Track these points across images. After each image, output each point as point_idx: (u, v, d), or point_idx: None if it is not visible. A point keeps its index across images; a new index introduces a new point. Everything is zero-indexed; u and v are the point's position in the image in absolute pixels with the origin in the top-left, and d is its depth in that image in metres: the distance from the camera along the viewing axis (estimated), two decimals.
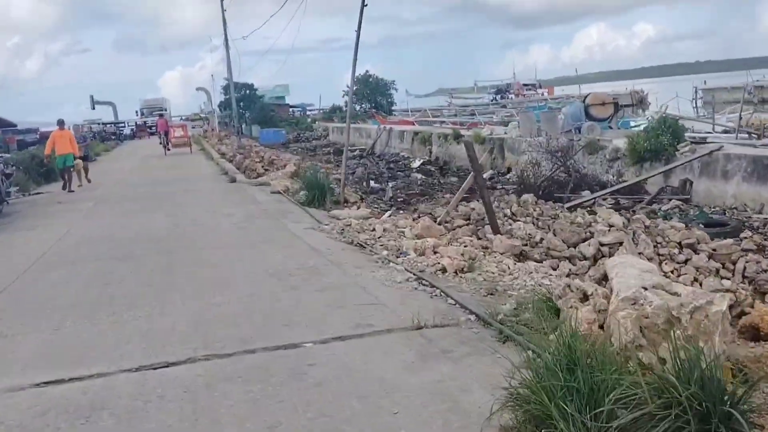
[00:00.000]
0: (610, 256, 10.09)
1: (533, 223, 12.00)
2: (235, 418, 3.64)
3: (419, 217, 11.06)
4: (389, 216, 11.12)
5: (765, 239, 11.01)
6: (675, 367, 2.68)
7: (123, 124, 66.43)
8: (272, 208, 12.32)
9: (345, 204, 12.79)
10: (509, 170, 21.09)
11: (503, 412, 3.19)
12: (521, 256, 8.54)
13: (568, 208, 13.77)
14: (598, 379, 2.79)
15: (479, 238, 9.89)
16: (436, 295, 5.72)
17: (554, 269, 9.13)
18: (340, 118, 52.10)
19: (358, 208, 12.52)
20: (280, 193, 14.59)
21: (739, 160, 14.38)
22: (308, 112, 71.97)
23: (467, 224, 11.28)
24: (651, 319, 3.22)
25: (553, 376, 2.91)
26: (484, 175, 20.82)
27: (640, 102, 30.81)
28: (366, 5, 11.26)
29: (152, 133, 53.23)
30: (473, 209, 12.01)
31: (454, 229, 10.58)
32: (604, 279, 9.89)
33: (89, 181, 19.62)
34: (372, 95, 57.54)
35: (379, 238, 8.87)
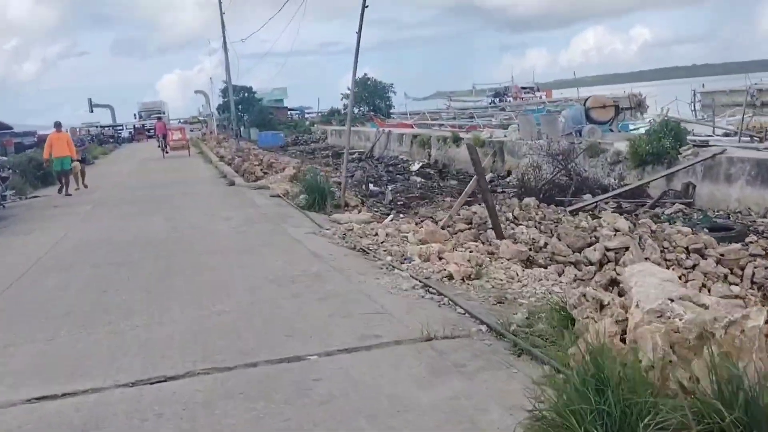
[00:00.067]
0: (616, 262, 9.93)
1: (536, 227, 11.84)
2: None
3: (422, 221, 10.87)
4: (391, 220, 10.92)
5: None
6: (713, 387, 2.48)
7: (121, 127, 66.18)
8: (272, 212, 12.11)
9: (346, 208, 12.60)
10: (509, 173, 20.93)
11: None
12: (528, 262, 8.35)
13: (570, 212, 13.62)
14: (631, 401, 2.58)
15: (483, 243, 9.71)
16: (444, 304, 5.52)
17: (560, 274, 8.97)
18: (339, 121, 51.91)
19: (359, 212, 12.32)
20: (279, 196, 14.39)
21: (742, 163, 14.24)
22: (306, 115, 71.82)
23: (469, 228, 11.10)
24: (682, 334, 3.03)
25: (581, 397, 2.70)
26: None
27: (638, 105, 30.68)
28: (367, 6, 11.09)
29: (150, 136, 53.02)
30: (475, 213, 11.83)
31: (456, 233, 10.40)
32: (611, 285, 9.74)
33: (86, 186, 19.34)
34: (370, 98, 57.35)
35: (382, 243, 8.67)
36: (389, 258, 7.55)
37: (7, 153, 31.06)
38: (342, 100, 62.42)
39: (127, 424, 3.68)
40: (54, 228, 12.12)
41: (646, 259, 9.89)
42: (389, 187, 18.59)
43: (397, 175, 23.14)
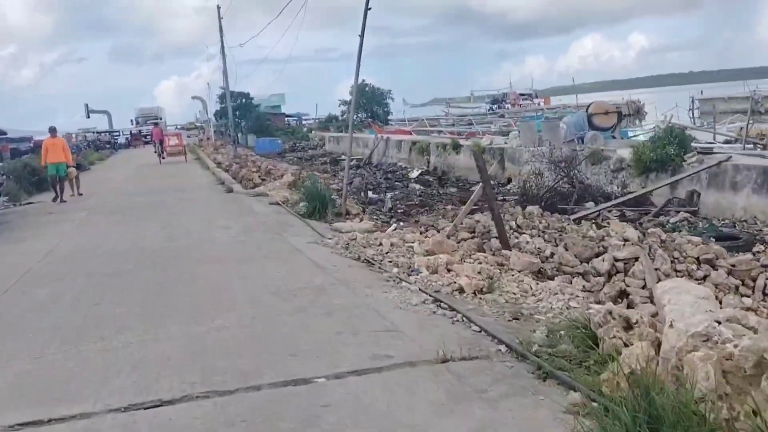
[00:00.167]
0: (625, 272, 9.65)
1: (539, 236, 11.55)
2: None
3: (427, 230, 10.57)
4: (395, 230, 10.61)
5: None
6: None
7: (118, 133, 65.82)
8: (271, 220, 11.79)
9: (347, 216, 12.28)
10: (509, 181, 20.67)
11: None
12: (539, 274, 8.06)
13: (574, 221, 13.35)
14: None
15: (490, 253, 9.42)
16: (457, 320, 5.20)
17: (568, 284, 8.69)
18: (336, 127, 51.68)
19: (361, 220, 12.01)
20: (278, 204, 14.08)
21: (748, 171, 14.00)
22: (304, 122, 71.56)
23: (472, 237, 10.81)
24: (737, 362, 2.73)
25: None
26: None
27: (636, 112, 30.57)
28: (370, 9, 10.82)
29: (147, 142, 52.64)
30: (478, 221, 11.54)
31: (459, 242, 10.12)
32: (620, 296, 9.44)
33: (80, 194, 18.94)
34: (368, 105, 57.14)
35: (386, 253, 8.37)
36: (396, 270, 7.23)
37: (3, 158, 30.69)
38: (340, 106, 62.26)
39: None
40: (47, 235, 11.80)
41: (656, 269, 9.64)
42: (388, 195, 18.29)
43: (396, 183, 22.86)
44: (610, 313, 4.35)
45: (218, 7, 34.53)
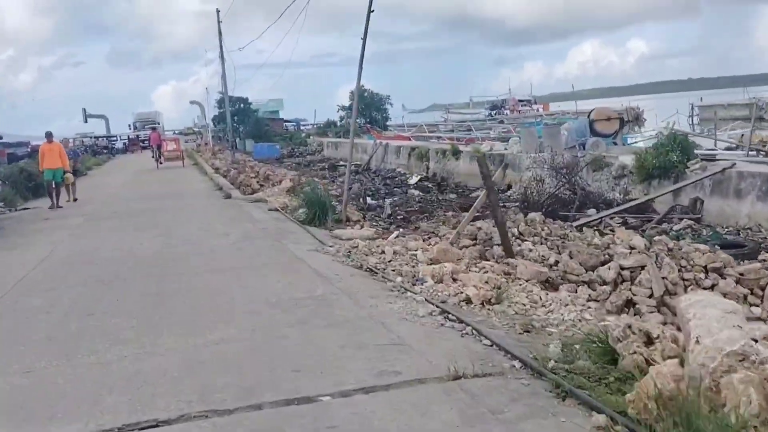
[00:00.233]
0: (632, 281, 9.44)
1: (542, 243, 11.37)
2: None
3: (429, 237, 10.36)
4: (396, 237, 10.40)
5: None
6: None
7: (115, 138, 65.50)
8: (271, 227, 11.57)
9: (347, 223, 12.07)
10: (509, 187, 20.49)
11: None
12: (546, 283, 7.84)
13: (576, 228, 13.18)
14: None
15: (495, 262, 9.22)
16: (467, 333, 4.98)
17: (574, 293, 8.50)
18: (335, 133, 51.50)
19: (362, 227, 11.80)
20: (278, 210, 13.87)
21: (753, 178, 13.83)
22: (302, 127, 71.40)
23: (474, 245, 10.61)
24: None
25: None
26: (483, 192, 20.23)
27: (636, 119, 30.44)
28: (373, 11, 10.63)
29: (145, 147, 52.38)
30: (480, 228, 11.34)
31: (460, 249, 9.93)
32: (626, 306, 9.23)
33: (75, 200, 18.65)
34: (367, 110, 56.97)
35: (389, 261, 8.15)
36: (400, 279, 7.02)
37: (0, 163, 30.44)
38: (338, 112, 62.09)
39: None
40: (42, 242, 11.57)
41: (663, 278, 9.45)
42: (387, 201, 18.10)
43: (395, 188, 22.68)
44: (630, 327, 4.14)
45: (218, 11, 34.41)
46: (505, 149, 23.56)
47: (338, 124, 58.32)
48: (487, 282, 6.48)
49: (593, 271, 9.82)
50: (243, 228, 11.63)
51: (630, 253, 10.18)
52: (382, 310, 5.78)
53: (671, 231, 13.34)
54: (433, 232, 11.79)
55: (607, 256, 10.22)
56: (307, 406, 3.83)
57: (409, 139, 35.89)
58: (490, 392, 3.77)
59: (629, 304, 8.96)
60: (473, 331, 4.97)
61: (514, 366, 4.18)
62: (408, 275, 7.17)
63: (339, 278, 7.19)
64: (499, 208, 10.58)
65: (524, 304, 5.99)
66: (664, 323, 7.96)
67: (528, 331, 5.10)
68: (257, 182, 20.48)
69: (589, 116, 22.29)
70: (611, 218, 14.49)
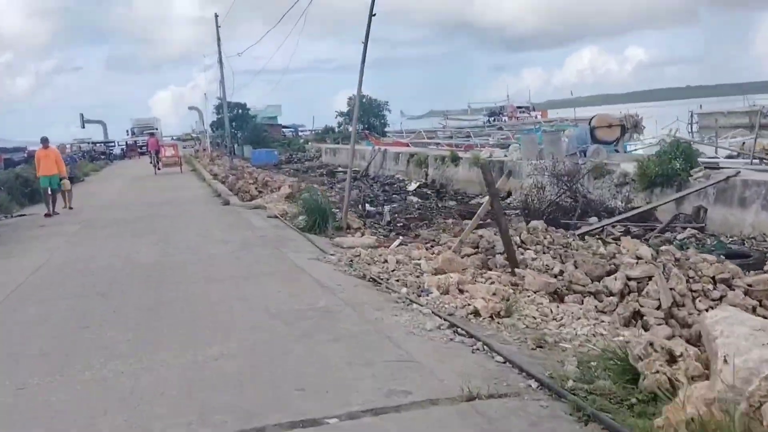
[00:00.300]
0: (639, 292, 9.26)
1: (544, 252, 11.19)
2: None
3: (432, 246, 10.17)
4: (399, 245, 10.21)
5: None
6: None
7: (113, 144, 65.21)
8: (270, 235, 11.36)
9: (348, 230, 11.87)
10: (509, 194, 20.32)
11: None
12: (555, 294, 7.65)
13: (578, 236, 13.01)
14: None
15: (498, 272, 9.03)
16: (477, 349, 4.77)
17: (580, 304, 8.33)
18: (333, 139, 51.36)
19: (362, 235, 11.60)
20: (277, 217, 13.67)
21: (758, 186, 13.68)
22: (300, 133, 71.27)
23: (476, 253, 10.43)
24: None
25: None
26: (483, 200, 20.07)
27: (634, 126, 30.34)
28: (374, 14, 10.45)
29: (143, 153, 52.19)
30: (482, 237, 11.17)
31: (462, 258, 9.74)
32: (633, 317, 9.02)
33: (70, 207, 18.35)
34: (365, 116, 56.86)
35: (392, 271, 7.96)
36: (405, 290, 6.82)
37: None
38: (336, 117, 62.01)
39: None
40: (37, 250, 11.34)
41: (671, 289, 9.27)
42: (387, 208, 17.91)
43: (394, 195, 22.53)
44: (652, 344, 3.95)
45: (216, 16, 34.26)
46: (505, 156, 23.42)
47: (336, 130, 58.19)
48: (494, 294, 6.29)
49: (599, 282, 9.64)
50: (242, 235, 11.43)
51: (637, 263, 10.00)
52: (388, 323, 5.58)
53: (674, 240, 13.18)
54: (433, 240, 11.61)
55: (612, 266, 10.04)
56: (313, 429, 3.62)
57: (408, 145, 35.76)
58: (508, 415, 3.56)
59: (636, 315, 8.78)
60: (484, 346, 4.77)
61: (531, 386, 3.98)
62: (413, 286, 6.98)
63: (342, 289, 6.99)
64: (504, 216, 10.41)
65: (535, 318, 5.80)
66: (672, 335, 7.79)
67: (541, 347, 4.90)
68: (256, 188, 20.29)
69: (590, 123, 22.13)
70: (613, 227, 14.33)
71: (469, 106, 79.43)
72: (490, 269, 9.29)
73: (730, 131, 31.08)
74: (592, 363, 4.33)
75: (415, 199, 21.29)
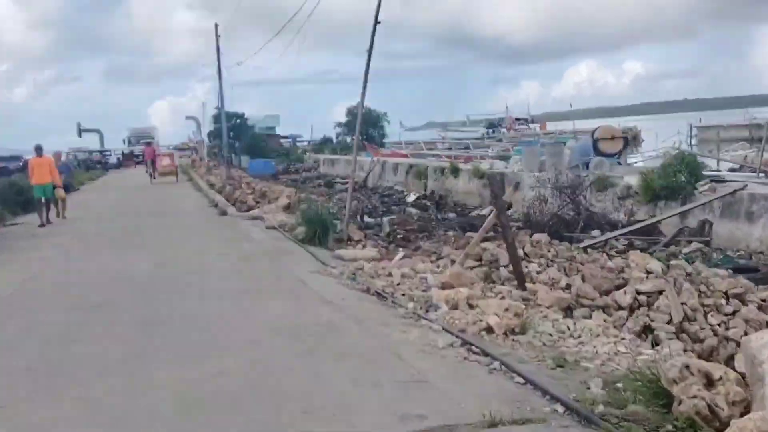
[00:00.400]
0: (649, 306, 9.00)
1: (548, 265, 10.94)
2: None
3: (438, 259, 9.87)
4: (402, 258, 9.90)
5: None
6: None
7: (109, 153, 64.78)
8: (270, 246, 11.04)
9: (349, 242, 11.57)
10: (510, 206, 20.06)
11: None
12: (568, 309, 7.36)
13: (582, 249, 12.76)
14: None
15: (513, 287, 8.76)
16: (494, 369, 4.46)
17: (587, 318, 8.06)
18: (331, 149, 51.18)
19: (364, 246, 11.30)
20: (275, 228, 13.35)
21: (766, 200, 13.45)
22: (298, 143, 71.08)
23: (479, 266, 10.16)
24: None
25: None
26: (483, 212, 19.82)
27: (633, 139, 30.27)
28: (379, 23, 10.23)
29: (139, 163, 51.81)
30: (485, 249, 10.90)
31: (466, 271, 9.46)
32: (644, 332, 8.71)
33: (64, 217, 17.97)
34: (364, 127, 56.71)
35: (398, 285, 7.65)
36: (412, 304, 6.51)
37: None
38: (335, 128, 61.86)
39: None
40: (28, 261, 11.01)
41: (683, 304, 9.01)
42: (386, 219, 17.63)
43: (393, 206, 22.27)
44: (688, 367, 3.66)
45: (216, 26, 34.12)
46: (506, 168, 23.22)
47: (334, 140, 58.02)
48: (507, 309, 5.99)
49: (607, 295, 9.37)
50: (240, 247, 11.11)
51: (647, 277, 9.74)
52: (396, 340, 5.26)
53: (680, 254, 12.92)
54: (434, 252, 11.33)
55: (621, 280, 9.78)
56: None
57: (407, 156, 35.57)
58: None
59: (647, 330, 8.50)
60: (501, 366, 4.45)
61: (556, 410, 3.66)
62: (420, 300, 6.67)
63: (345, 303, 6.68)
64: (510, 229, 10.13)
65: (551, 335, 5.49)
66: (684, 350, 7.51)
67: (561, 366, 4.59)
68: (253, 199, 20.01)
69: (593, 135, 21.94)
70: (616, 240, 14.07)
71: (468, 118, 79.44)
72: (494, 282, 9.03)
73: (731, 144, 30.99)
74: (619, 384, 4.03)
75: (414, 210, 21.03)
